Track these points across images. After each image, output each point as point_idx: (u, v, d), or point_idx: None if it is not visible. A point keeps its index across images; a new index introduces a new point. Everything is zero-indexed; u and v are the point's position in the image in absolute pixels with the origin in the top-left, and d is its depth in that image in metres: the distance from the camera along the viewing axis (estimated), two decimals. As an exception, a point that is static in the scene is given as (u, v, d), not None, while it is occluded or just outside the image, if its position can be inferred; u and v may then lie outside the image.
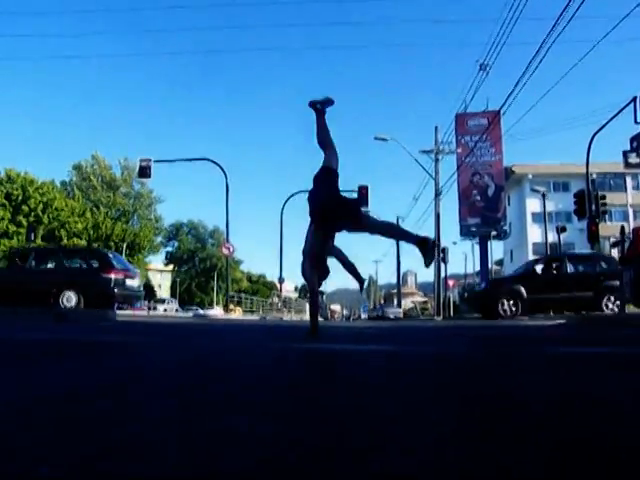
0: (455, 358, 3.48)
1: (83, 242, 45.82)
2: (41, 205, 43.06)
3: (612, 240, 22.01)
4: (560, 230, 23.20)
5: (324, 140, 5.41)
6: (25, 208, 42.06)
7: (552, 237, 24.91)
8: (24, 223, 39.28)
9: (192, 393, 1.80)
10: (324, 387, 2.05)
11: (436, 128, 30.17)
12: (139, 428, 1.24)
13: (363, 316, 63.43)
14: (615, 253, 18.49)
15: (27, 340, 4.46)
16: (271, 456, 1.03)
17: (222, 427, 1.26)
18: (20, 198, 42.37)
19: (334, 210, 5.10)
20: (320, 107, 5.38)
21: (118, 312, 14.02)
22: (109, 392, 1.78)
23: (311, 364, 3.14)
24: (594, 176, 19.11)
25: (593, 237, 16.96)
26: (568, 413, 1.51)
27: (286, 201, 29.26)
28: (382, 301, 71.64)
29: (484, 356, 3.67)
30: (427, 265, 5.02)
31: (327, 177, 5.26)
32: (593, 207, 16.90)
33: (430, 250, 4.92)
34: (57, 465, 0.95)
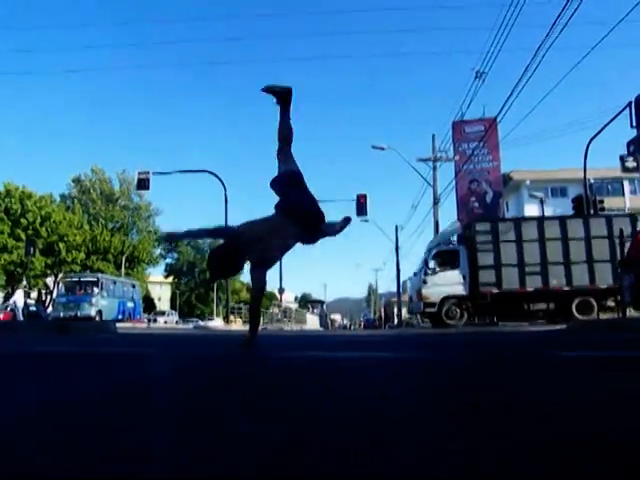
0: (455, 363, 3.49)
1: (82, 255, 45.77)
2: (39, 218, 43.04)
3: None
4: (559, 235, 23.22)
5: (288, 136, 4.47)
6: (24, 222, 41.98)
7: (551, 242, 24.91)
8: (23, 237, 39.22)
9: (200, 398, 1.82)
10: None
11: (433, 136, 30.31)
12: (149, 431, 1.27)
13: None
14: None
15: (38, 353, 4.46)
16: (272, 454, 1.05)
17: (227, 430, 1.28)
18: (19, 212, 42.35)
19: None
20: (279, 94, 4.41)
21: (118, 325, 14.06)
22: (118, 400, 1.80)
23: (302, 372, 3.15)
24: (592, 181, 19.17)
25: (592, 241, 17.00)
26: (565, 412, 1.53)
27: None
28: (382, 309, 71.58)
29: (487, 361, 3.70)
30: None
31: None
32: (591, 211, 16.96)
33: None
34: (74, 465, 0.98)
